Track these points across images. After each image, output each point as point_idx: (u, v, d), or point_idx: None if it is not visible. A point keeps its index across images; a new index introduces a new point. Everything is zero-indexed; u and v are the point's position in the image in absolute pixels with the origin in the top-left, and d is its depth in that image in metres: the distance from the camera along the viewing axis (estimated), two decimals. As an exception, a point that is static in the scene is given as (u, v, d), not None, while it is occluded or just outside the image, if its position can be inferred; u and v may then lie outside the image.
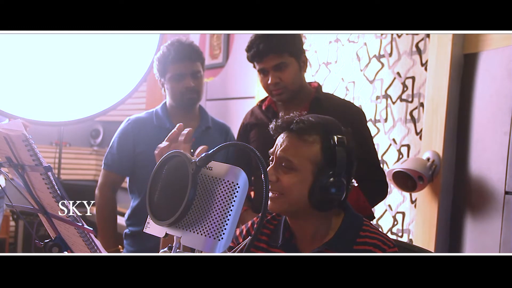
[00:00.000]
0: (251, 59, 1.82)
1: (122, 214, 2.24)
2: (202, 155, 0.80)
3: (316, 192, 1.17)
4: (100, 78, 3.35)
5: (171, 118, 2.08)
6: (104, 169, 2.10)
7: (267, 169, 1.21)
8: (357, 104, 2.45)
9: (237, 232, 1.35)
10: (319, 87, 1.91)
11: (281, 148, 1.21)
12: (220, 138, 2.15)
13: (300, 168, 1.18)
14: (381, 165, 1.89)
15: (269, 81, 1.78)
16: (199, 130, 2.08)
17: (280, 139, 1.24)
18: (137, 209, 2.07)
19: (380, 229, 1.32)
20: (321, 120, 1.23)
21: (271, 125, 1.27)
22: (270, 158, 1.24)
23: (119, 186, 2.14)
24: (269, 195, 1.20)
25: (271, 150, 1.25)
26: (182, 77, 2.01)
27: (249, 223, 1.36)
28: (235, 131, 2.13)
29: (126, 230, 2.11)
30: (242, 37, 3.29)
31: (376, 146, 2.34)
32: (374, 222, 2.33)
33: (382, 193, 1.82)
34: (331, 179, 1.16)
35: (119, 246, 2.04)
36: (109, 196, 2.08)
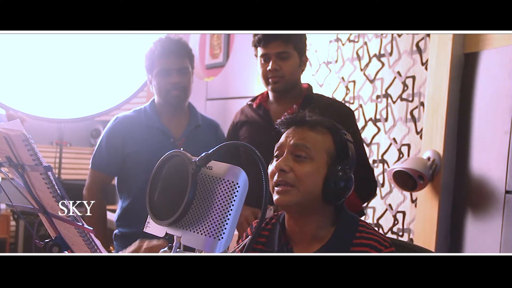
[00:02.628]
0: (256, 42, 1.84)
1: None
2: (202, 155, 0.80)
3: (331, 183, 1.16)
4: (105, 78, 3.37)
5: (160, 117, 2.04)
6: (92, 169, 2.05)
7: (278, 161, 1.20)
8: (357, 103, 2.45)
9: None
10: (309, 87, 1.93)
11: (296, 137, 1.20)
12: (210, 135, 2.13)
13: (316, 158, 1.18)
14: (370, 163, 1.91)
15: (269, 67, 1.80)
16: (189, 129, 2.05)
17: (291, 132, 1.23)
18: (128, 210, 2.02)
19: (376, 229, 1.32)
20: (327, 119, 1.26)
21: (279, 120, 1.27)
22: (276, 153, 1.23)
23: (108, 186, 2.09)
24: (277, 189, 1.18)
25: (278, 143, 1.24)
26: (168, 72, 1.97)
27: (244, 235, 1.36)
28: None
29: (116, 231, 2.06)
30: (242, 37, 3.29)
31: (376, 146, 2.35)
32: (374, 221, 2.33)
33: (371, 191, 1.84)
34: (344, 172, 1.17)
35: (110, 247, 2.02)
36: (98, 196, 2.02)
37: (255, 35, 1.85)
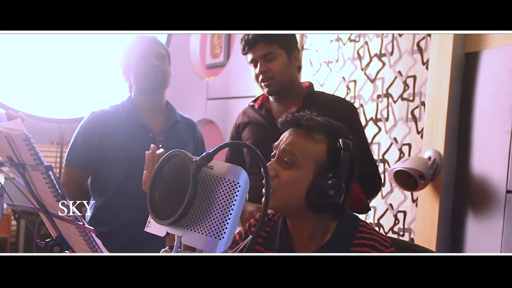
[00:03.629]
0: (243, 49, 1.84)
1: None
2: (203, 154, 0.80)
3: (314, 192, 1.14)
4: (105, 78, 3.37)
5: (139, 112, 2.01)
6: (68, 166, 1.98)
7: (268, 163, 1.19)
8: (358, 103, 2.45)
9: (237, 237, 1.34)
10: (311, 85, 1.92)
11: (287, 142, 1.18)
12: (189, 133, 2.11)
13: (302, 165, 1.15)
14: (374, 159, 1.89)
15: (257, 71, 1.80)
16: (168, 124, 2.04)
17: (286, 134, 1.21)
18: (102, 208, 1.97)
19: (377, 229, 1.31)
20: (330, 122, 1.22)
21: (280, 120, 1.25)
22: (272, 153, 1.22)
23: (84, 183, 2.02)
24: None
25: (275, 144, 1.23)
26: (147, 57, 1.97)
27: (247, 225, 1.36)
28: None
29: None
30: (243, 36, 3.29)
31: (377, 145, 2.35)
32: (374, 221, 2.33)
33: (376, 187, 1.82)
34: (331, 181, 1.13)
35: None
36: (73, 195, 1.94)
37: (240, 42, 1.86)
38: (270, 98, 1.92)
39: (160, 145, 1.97)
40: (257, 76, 1.83)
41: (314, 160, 1.16)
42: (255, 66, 1.83)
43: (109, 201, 1.96)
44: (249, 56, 1.83)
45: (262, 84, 1.83)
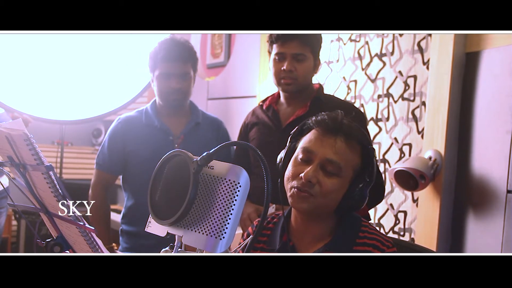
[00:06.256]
0: (275, 39, 1.80)
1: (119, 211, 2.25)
2: (203, 154, 0.80)
3: (350, 200, 1.17)
4: (108, 79, 3.38)
5: (160, 116, 2.08)
6: (96, 169, 2.11)
7: (307, 171, 1.16)
8: (358, 103, 2.45)
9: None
10: (320, 87, 1.91)
11: (332, 151, 1.17)
12: (212, 133, 2.14)
13: (344, 175, 1.17)
14: (379, 169, 1.88)
15: (284, 67, 1.77)
16: (188, 127, 2.08)
17: (325, 140, 1.19)
18: (131, 208, 2.08)
19: (379, 229, 1.32)
20: (360, 129, 1.23)
21: (314, 118, 1.23)
22: (302, 156, 1.19)
23: (112, 185, 2.16)
24: (296, 193, 1.16)
25: (307, 147, 1.20)
26: (169, 77, 1.99)
27: (250, 228, 1.36)
28: (236, 130, 2.13)
29: (122, 227, 2.13)
30: (244, 37, 3.29)
31: (377, 145, 2.34)
32: (375, 221, 2.33)
33: (378, 196, 1.80)
34: (363, 190, 1.18)
35: (113, 244, 2.03)
36: (102, 195, 2.09)
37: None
38: (281, 98, 1.91)
39: (176, 145, 2.03)
40: (279, 71, 1.80)
41: (353, 169, 1.19)
42: (280, 60, 1.80)
43: (135, 202, 2.07)
44: (278, 48, 1.79)
45: (282, 81, 1.80)
